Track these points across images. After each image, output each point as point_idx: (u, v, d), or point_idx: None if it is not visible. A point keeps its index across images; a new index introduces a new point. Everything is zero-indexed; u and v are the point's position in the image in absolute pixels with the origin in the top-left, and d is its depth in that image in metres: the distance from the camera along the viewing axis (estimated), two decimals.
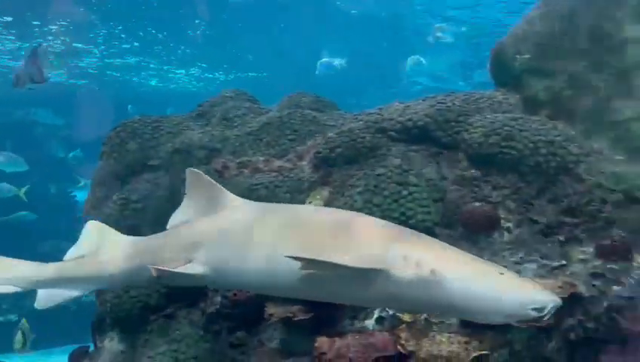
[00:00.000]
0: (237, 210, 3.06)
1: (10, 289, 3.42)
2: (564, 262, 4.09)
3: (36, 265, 3.44)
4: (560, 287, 3.91)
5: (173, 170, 5.28)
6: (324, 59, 17.39)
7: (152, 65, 21.38)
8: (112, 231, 3.46)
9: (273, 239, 2.79)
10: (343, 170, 4.91)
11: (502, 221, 4.34)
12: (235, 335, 4.62)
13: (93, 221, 3.55)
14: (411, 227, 4.42)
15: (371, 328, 4.23)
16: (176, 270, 2.94)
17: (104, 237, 3.38)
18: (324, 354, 4.26)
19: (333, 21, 18.51)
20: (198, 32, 18.70)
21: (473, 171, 4.58)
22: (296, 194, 4.94)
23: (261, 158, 5.31)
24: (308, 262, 2.57)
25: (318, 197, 4.90)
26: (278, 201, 4.89)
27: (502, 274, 2.53)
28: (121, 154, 5.50)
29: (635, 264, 3.93)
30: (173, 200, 5.05)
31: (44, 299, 3.39)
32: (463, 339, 4.03)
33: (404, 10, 18.87)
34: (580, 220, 4.18)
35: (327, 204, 4.77)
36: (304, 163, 5.18)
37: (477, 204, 4.38)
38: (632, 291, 3.83)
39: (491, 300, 2.46)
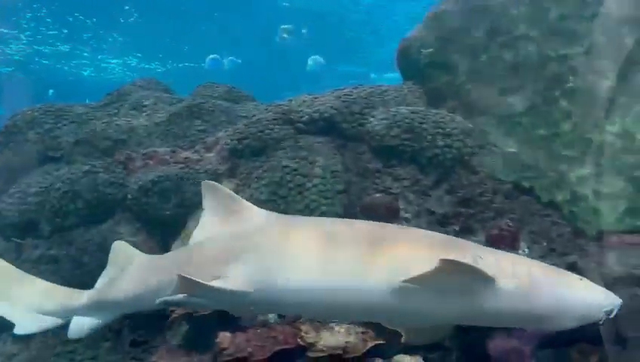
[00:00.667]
0: (268, 222, 2.73)
1: (54, 321, 3.25)
2: None
3: (71, 292, 3.23)
4: None
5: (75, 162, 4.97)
6: (212, 56, 17.08)
7: (84, 54, 20.34)
8: (136, 251, 3.18)
9: (334, 254, 2.42)
10: (250, 162, 4.75)
11: (401, 211, 4.34)
12: (137, 333, 4.41)
13: (118, 241, 3.28)
14: None
15: (273, 322, 4.14)
16: (212, 284, 2.50)
17: (129, 257, 3.12)
18: (225, 349, 4.12)
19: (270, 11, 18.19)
20: (131, 20, 17.92)
21: (376, 162, 4.56)
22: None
23: (168, 150, 5.07)
24: (421, 278, 2.22)
25: None
26: (183, 194, 4.70)
27: (581, 280, 2.46)
28: (19, 144, 5.11)
29: (520, 251, 4.02)
30: (74, 194, 4.81)
31: (78, 327, 3.16)
32: (360, 330, 4.01)
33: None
34: (474, 210, 4.24)
35: None
36: (212, 154, 4.98)
37: (377, 195, 4.36)
38: None
39: (579, 306, 2.39)
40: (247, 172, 4.67)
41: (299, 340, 4.02)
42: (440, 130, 4.42)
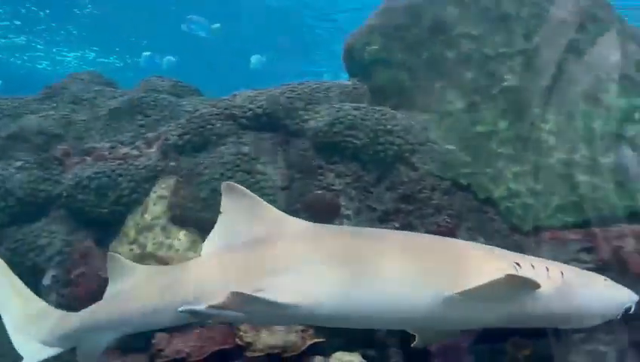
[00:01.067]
0: (308, 231, 2.57)
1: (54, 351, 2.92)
2: None
3: (62, 315, 2.96)
4: None
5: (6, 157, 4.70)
6: (146, 53, 16.71)
7: (39, 47, 19.50)
8: (135, 264, 2.93)
9: (383, 266, 2.33)
10: (191, 158, 4.58)
11: (343, 208, 4.28)
12: None
13: (113, 254, 2.94)
14: None
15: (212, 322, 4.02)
16: (262, 296, 2.26)
17: (130, 270, 2.82)
18: (161, 350, 3.98)
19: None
20: (86, 11, 17.26)
21: (319, 159, 4.48)
22: (141, 183, 4.55)
23: (107, 145, 4.86)
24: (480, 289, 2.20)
25: (164, 186, 4.54)
26: (121, 191, 4.50)
27: (605, 280, 2.57)
28: None
29: None
30: (5, 192, 4.55)
31: (86, 352, 2.88)
32: (299, 328, 3.93)
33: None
34: (414, 207, 4.22)
35: (174, 193, 4.46)
36: (152, 150, 4.80)
37: (319, 192, 4.28)
38: None
39: (606, 304, 2.49)
40: (188, 168, 4.51)
41: (237, 340, 3.92)
42: (381, 127, 4.36)
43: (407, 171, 4.31)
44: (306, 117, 4.60)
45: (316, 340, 3.86)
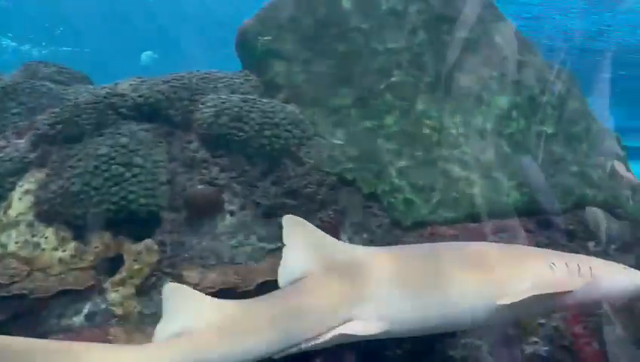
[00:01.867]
0: (370, 256, 2.67)
1: None
2: (280, 244, 3.94)
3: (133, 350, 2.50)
4: (271, 270, 3.76)
5: None
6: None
7: None
8: (200, 295, 2.66)
9: (447, 279, 2.53)
10: (64, 150, 4.17)
11: (226, 204, 4.06)
12: None
13: (171, 284, 2.74)
14: (133, 212, 3.99)
15: (79, 325, 3.68)
16: (361, 332, 2.41)
17: (196, 304, 2.57)
18: None
19: None
20: None
21: (203, 152, 4.23)
22: (6, 176, 4.09)
23: None
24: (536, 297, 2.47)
25: (32, 180, 4.10)
26: None
27: (624, 268, 2.82)
28: None
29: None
30: None
31: None
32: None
33: None
34: (299, 202, 4.08)
35: (43, 187, 4.05)
36: (22, 141, 4.35)
37: (201, 186, 4.04)
38: None
39: (628, 288, 2.74)
40: (60, 160, 4.09)
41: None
42: (268, 120, 4.17)
43: (294, 166, 4.15)
44: (192, 108, 4.33)
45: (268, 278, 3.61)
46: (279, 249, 3.90)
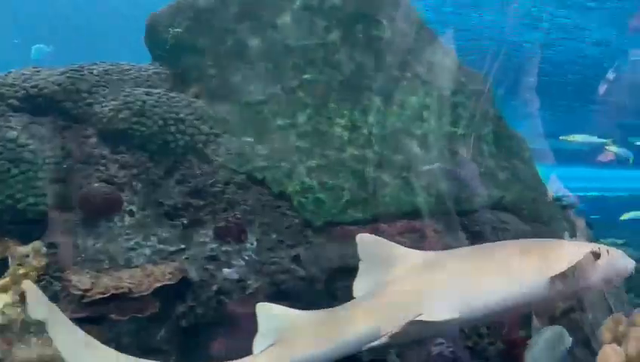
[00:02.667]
0: (430, 259, 2.97)
1: None
2: (182, 246, 3.72)
3: None
4: (170, 273, 3.54)
5: None
6: None
7: None
8: (287, 309, 2.92)
9: (502, 271, 2.81)
10: None
11: (126, 203, 3.80)
12: None
13: (262, 304, 2.96)
14: (21, 212, 3.65)
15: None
16: (433, 319, 2.64)
17: (286, 319, 2.87)
18: None
19: None
20: None
21: (102, 148, 3.93)
22: None
23: None
24: None
25: None
26: None
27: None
28: None
29: (248, 245, 3.77)
30: None
31: None
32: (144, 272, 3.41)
33: None
34: (205, 202, 3.87)
35: None
36: None
37: (96, 185, 3.75)
38: (240, 273, 3.66)
39: (623, 271, 2.95)
40: None
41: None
42: (173, 115, 3.93)
43: (200, 163, 3.94)
44: (91, 101, 4.03)
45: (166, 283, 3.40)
46: (182, 251, 3.75)
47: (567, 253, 2.82)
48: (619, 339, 3.39)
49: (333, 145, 4.05)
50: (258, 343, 2.83)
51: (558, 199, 5.02)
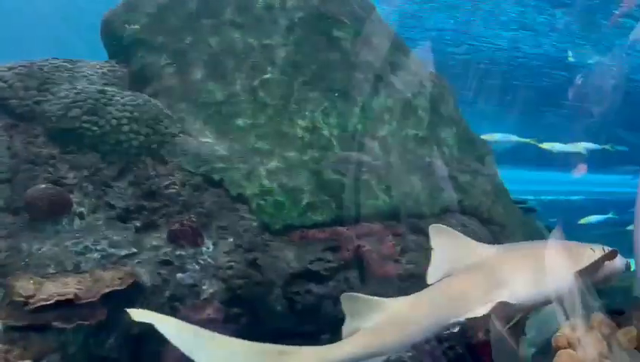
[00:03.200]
0: (500, 252, 3.14)
1: None
2: (134, 250, 3.58)
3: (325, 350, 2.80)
4: (120, 279, 3.39)
5: None
6: None
7: None
8: (370, 298, 2.95)
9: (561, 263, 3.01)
10: None
11: (75, 206, 3.63)
12: None
13: (347, 294, 2.94)
14: None
15: None
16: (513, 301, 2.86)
17: (370, 306, 2.93)
18: None
19: None
20: None
21: (51, 148, 3.76)
22: None
23: None
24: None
25: None
26: None
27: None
28: None
29: (204, 249, 3.66)
30: None
31: None
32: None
33: None
34: (160, 204, 3.73)
35: None
36: None
37: (43, 186, 3.58)
38: (195, 278, 3.54)
39: (619, 269, 3.11)
40: None
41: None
42: (127, 114, 3.79)
43: (155, 164, 3.81)
44: (40, 98, 3.85)
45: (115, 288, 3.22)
46: (133, 255, 3.60)
47: (586, 253, 3.09)
48: (575, 345, 3.41)
49: (294, 146, 3.97)
50: (346, 330, 2.91)
51: (519, 202, 5.05)
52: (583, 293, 3.60)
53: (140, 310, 2.66)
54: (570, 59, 10.57)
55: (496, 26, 10.14)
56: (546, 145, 10.61)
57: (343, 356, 2.76)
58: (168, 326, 2.72)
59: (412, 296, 3.15)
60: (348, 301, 2.95)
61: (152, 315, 2.71)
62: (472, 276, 3.07)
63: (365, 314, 2.97)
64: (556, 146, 10.35)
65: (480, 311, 2.87)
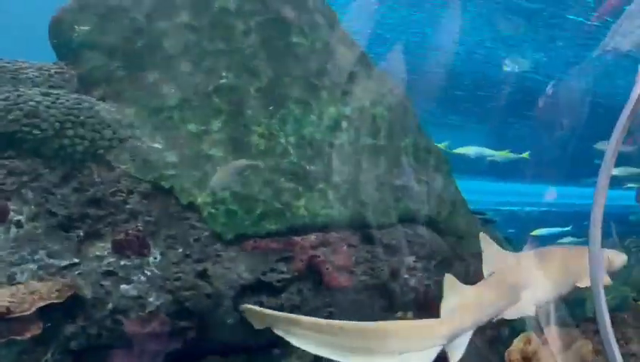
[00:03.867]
0: (525, 260, 3.73)
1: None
2: (76, 261, 3.40)
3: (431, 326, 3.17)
4: (58, 291, 3.20)
5: None
6: None
7: None
8: (461, 285, 3.41)
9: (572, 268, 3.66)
10: None
11: (13, 213, 3.42)
12: None
13: (449, 276, 3.37)
14: None
15: None
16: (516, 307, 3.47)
17: (461, 291, 3.40)
18: None
19: None
20: None
21: None
22: None
23: None
24: None
25: None
26: None
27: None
28: None
29: (150, 259, 3.50)
30: None
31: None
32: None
33: None
34: (105, 212, 3.57)
35: None
36: None
37: None
38: (140, 290, 3.37)
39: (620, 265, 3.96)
40: None
41: None
42: (72, 118, 3.61)
43: (101, 171, 3.64)
44: None
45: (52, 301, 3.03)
46: (74, 265, 3.41)
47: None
48: (529, 358, 3.39)
49: (249, 153, 3.85)
50: (444, 307, 3.31)
51: (478, 213, 5.06)
52: (550, 305, 3.76)
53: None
54: (506, 68, 10.61)
55: (459, 36, 10.27)
56: (511, 155, 10.68)
57: (456, 327, 3.17)
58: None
59: (480, 285, 3.68)
60: (448, 283, 3.41)
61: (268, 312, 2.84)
62: (502, 280, 3.63)
63: (459, 294, 3.44)
64: (510, 156, 10.45)
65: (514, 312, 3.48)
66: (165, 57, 4.09)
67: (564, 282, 3.65)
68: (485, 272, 3.61)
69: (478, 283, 3.54)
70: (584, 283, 3.67)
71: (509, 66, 10.50)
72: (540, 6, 9.76)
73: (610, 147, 2.28)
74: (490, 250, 3.70)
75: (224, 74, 4.02)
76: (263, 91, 4.03)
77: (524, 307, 3.48)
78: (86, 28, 4.19)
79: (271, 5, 4.27)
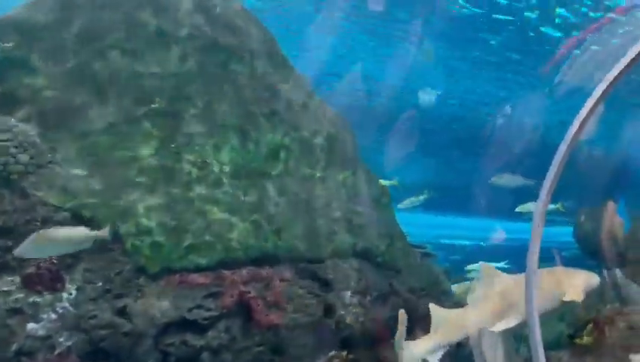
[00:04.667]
0: (516, 281, 3.66)
1: None
2: None
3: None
4: None
5: None
6: None
7: None
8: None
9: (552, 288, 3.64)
10: None
11: None
12: None
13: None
14: None
15: None
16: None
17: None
18: None
19: None
20: None
21: None
22: None
23: None
24: None
25: None
26: None
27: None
28: None
29: (64, 295, 3.23)
30: None
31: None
32: None
33: None
34: (15, 243, 3.28)
35: None
36: None
37: None
38: (49, 329, 3.10)
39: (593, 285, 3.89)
40: None
41: None
42: None
43: (14, 198, 3.37)
44: None
45: None
46: None
47: (580, 277, 3.77)
48: None
49: (179, 182, 3.67)
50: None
51: (417, 247, 5.02)
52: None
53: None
54: (421, 100, 10.75)
55: (405, 69, 10.43)
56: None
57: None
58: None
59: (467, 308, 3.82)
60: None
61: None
62: (491, 299, 3.72)
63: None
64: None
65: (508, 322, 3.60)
66: (95, 79, 3.88)
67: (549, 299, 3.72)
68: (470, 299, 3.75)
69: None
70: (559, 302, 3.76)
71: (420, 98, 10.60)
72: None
73: (548, 178, 2.28)
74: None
75: (157, 98, 3.86)
76: (198, 118, 3.89)
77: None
78: (9, 45, 3.92)
79: (211, 31, 4.17)
